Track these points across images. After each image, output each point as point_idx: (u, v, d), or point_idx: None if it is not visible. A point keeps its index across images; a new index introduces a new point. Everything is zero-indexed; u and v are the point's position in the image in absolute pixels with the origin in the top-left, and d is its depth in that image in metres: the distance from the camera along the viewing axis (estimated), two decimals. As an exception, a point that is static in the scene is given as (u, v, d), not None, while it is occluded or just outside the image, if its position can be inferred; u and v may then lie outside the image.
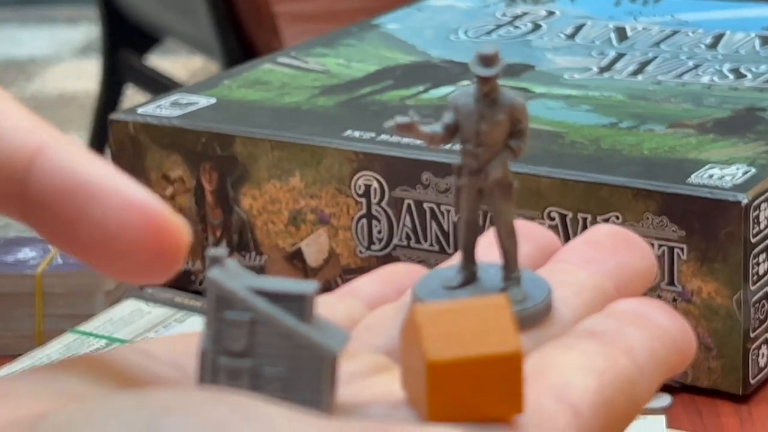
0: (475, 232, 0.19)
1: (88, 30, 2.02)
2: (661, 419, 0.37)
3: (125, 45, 1.26)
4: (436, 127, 0.18)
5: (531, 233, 0.21)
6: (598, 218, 0.37)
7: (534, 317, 0.18)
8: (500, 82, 0.19)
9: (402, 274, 0.21)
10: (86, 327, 0.38)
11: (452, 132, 0.18)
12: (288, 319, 0.14)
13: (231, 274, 0.14)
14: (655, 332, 0.17)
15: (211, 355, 0.14)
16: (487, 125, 0.18)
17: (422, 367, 0.13)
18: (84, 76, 1.87)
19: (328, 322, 0.15)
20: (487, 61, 0.17)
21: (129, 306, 0.39)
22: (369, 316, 0.19)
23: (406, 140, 0.39)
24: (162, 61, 1.50)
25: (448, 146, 0.19)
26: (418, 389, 0.14)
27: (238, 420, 0.11)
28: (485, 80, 0.18)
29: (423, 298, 0.18)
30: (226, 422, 0.11)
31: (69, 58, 2.18)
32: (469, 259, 0.19)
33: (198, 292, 0.42)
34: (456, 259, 0.20)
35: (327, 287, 0.33)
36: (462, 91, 0.18)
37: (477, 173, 0.18)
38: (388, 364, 0.17)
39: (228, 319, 0.14)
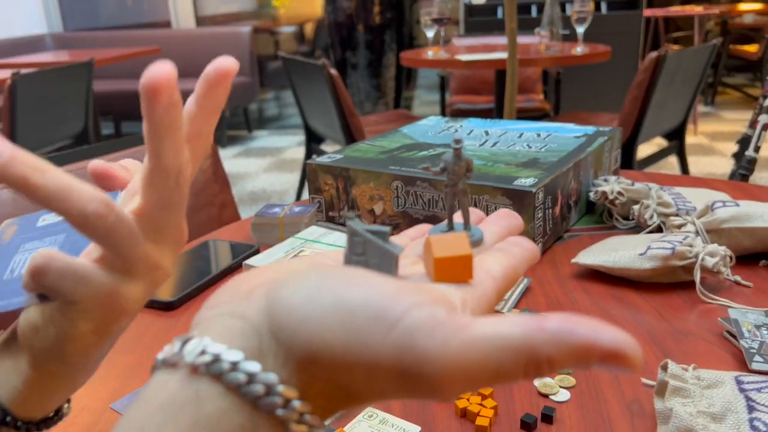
0: (453, 210, 0.31)
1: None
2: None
3: (313, 141, 2.70)
4: (437, 169, 0.32)
5: (475, 212, 0.35)
6: (481, 197, 0.72)
7: (476, 243, 0.30)
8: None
9: (424, 227, 0.34)
10: (298, 235, 0.73)
11: (443, 170, 0.32)
12: (379, 241, 0.25)
13: (357, 223, 0.25)
14: (524, 249, 0.29)
15: (348, 255, 0.25)
16: (457, 167, 0.31)
17: (432, 259, 0.24)
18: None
19: (395, 243, 0.26)
20: (457, 142, 0.31)
21: (313, 228, 0.76)
22: (411, 243, 0.32)
23: (408, 169, 0.78)
24: (325, 147, 2.75)
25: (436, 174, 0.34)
26: (430, 268, 0.25)
27: (342, 270, 0.23)
28: (456, 149, 0.31)
29: (432, 235, 0.28)
30: (353, 275, 0.22)
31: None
32: (451, 221, 0.32)
33: (340, 223, 0.82)
34: (444, 222, 0.33)
35: (385, 224, 0.77)
36: (447, 153, 0.31)
37: (453, 186, 0.31)
38: (418, 260, 0.30)
39: (355, 240, 0.25)
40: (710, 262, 0.63)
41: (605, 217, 0.85)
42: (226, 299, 0.24)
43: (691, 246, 0.65)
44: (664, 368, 0.47)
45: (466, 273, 0.26)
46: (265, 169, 3.82)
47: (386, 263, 0.26)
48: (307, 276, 0.23)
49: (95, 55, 3.22)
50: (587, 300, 0.65)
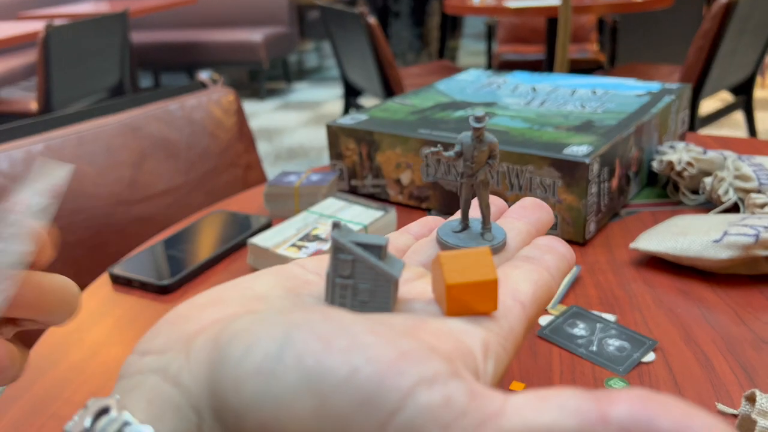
0: (468, 204, 0.27)
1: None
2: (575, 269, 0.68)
3: (351, 95, 2.64)
4: (451, 153, 0.26)
5: (495, 202, 0.30)
6: (523, 168, 0.61)
7: (498, 249, 0.25)
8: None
9: (431, 221, 0.29)
10: (313, 209, 0.64)
11: (459, 155, 0.26)
12: (372, 258, 0.20)
13: (344, 232, 0.21)
14: (558, 256, 0.25)
15: (331, 276, 0.20)
16: (477, 152, 0.25)
17: (443, 286, 0.20)
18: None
19: (394, 258, 0.21)
20: (479, 120, 0.25)
21: (330, 201, 0.66)
22: (415, 244, 0.27)
23: (441, 132, 0.67)
24: (363, 100, 2.72)
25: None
26: (441, 296, 0.20)
27: (318, 320, 0.16)
28: (477, 129, 0.25)
29: (441, 236, 0.26)
30: (333, 329, 0.16)
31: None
32: (465, 218, 0.27)
33: (362, 194, 0.73)
34: (458, 215, 0.27)
35: (413, 195, 0.67)
36: (465, 134, 0.26)
37: (471, 176, 0.26)
38: (424, 272, 0.24)
39: (340, 258, 0.20)
40: (805, 254, 0.52)
41: (670, 191, 0.73)
42: (159, 345, 0.19)
43: (779, 232, 0.54)
44: (750, 400, 0.37)
45: (489, 303, 0.20)
46: (304, 123, 3.74)
47: (381, 290, 0.20)
48: (267, 326, 0.17)
49: (131, 5, 3.15)
50: (648, 294, 0.55)
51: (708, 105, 3.14)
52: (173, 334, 0.19)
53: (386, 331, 0.17)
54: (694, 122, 2.16)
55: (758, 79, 3.67)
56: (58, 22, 2.36)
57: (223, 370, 0.17)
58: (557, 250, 0.25)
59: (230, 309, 0.20)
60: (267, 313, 0.18)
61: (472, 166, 0.26)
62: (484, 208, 0.27)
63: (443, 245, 0.26)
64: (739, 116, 3.25)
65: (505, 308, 0.21)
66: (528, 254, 0.25)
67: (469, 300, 0.20)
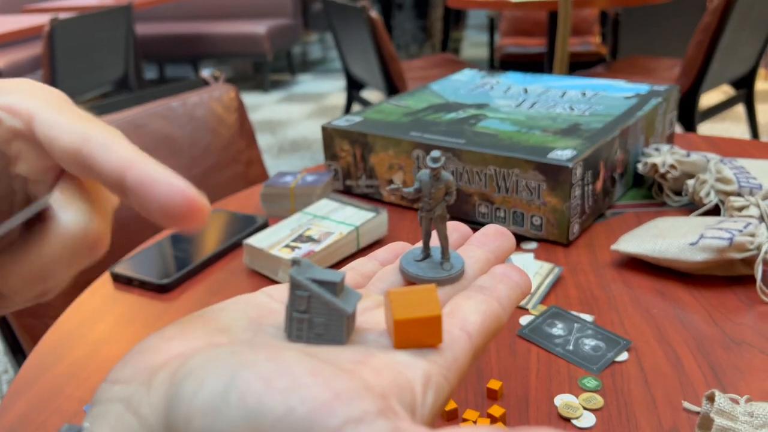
0: (429, 235, 0.29)
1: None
2: (531, 255, 0.61)
3: (354, 88, 2.70)
4: (410, 190, 0.28)
5: (459, 229, 0.31)
6: (510, 171, 0.63)
7: (455, 278, 0.27)
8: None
9: (398, 248, 0.31)
10: (307, 210, 0.67)
11: (418, 192, 0.28)
12: (326, 295, 0.22)
13: (303, 269, 0.22)
14: (512, 285, 0.26)
15: (289, 310, 0.22)
16: (434, 189, 0.27)
17: (392, 320, 0.21)
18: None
19: (351, 291, 0.23)
20: (435, 160, 0.27)
21: (324, 202, 0.68)
22: (380, 272, 0.29)
23: (431, 136, 0.69)
24: (366, 93, 2.82)
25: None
26: (391, 329, 0.22)
27: (264, 360, 0.18)
28: (434, 169, 0.27)
29: (403, 265, 0.28)
30: (278, 369, 0.17)
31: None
32: (426, 247, 0.29)
33: (357, 195, 0.76)
34: (419, 246, 0.29)
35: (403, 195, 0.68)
36: (423, 172, 0.28)
37: (429, 211, 0.28)
38: (383, 301, 0.25)
39: (297, 294, 0.22)
40: (776, 257, 0.54)
41: (655, 192, 0.75)
42: (126, 375, 0.21)
43: (752, 236, 0.56)
44: (710, 399, 0.40)
45: (433, 336, 0.22)
46: (308, 115, 3.75)
47: (334, 324, 0.22)
48: (219, 366, 0.18)
49: (135, -3, 3.16)
50: (626, 294, 0.57)
51: (709, 98, 3.14)
52: (140, 364, 0.21)
53: (326, 371, 0.18)
54: (695, 116, 2.16)
55: (761, 71, 3.66)
56: (63, 16, 2.38)
57: (176, 406, 0.18)
58: (511, 278, 0.26)
59: (193, 342, 0.21)
60: (221, 351, 0.19)
61: (430, 202, 0.28)
62: (443, 240, 0.28)
63: (405, 274, 0.28)
64: (740, 109, 3.25)
65: (452, 339, 0.22)
66: (482, 284, 0.26)
67: (415, 334, 0.21)
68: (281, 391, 0.17)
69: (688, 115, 2.15)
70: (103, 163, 0.20)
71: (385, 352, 0.21)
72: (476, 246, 0.29)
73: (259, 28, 4.23)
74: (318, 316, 0.22)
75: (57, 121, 0.21)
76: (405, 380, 0.20)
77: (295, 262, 0.22)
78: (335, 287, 0.22)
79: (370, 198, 0.77)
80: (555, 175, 0.63)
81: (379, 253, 0.30)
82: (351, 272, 0.29)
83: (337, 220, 0.66)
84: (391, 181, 0.75)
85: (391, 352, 0.21)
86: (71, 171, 0.22)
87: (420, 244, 0.30)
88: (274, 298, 0.25)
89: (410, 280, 0.28)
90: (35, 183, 0.23)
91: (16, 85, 0.23)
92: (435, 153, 0.27)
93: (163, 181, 0.20)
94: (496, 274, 0.27)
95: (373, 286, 0.28)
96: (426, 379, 0.20)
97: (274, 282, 0.62)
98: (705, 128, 3.04)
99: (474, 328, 0.23)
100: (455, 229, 0.31)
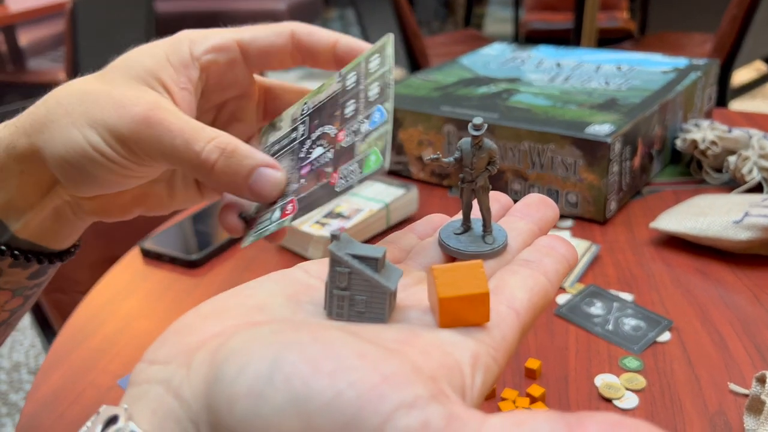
0: (470, 207, 0.28)
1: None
2: (567, 233, 0.61)
3: None
4: (450, 159, 0.27)
5: (499, 199, 0.30)
6: (545, 146, 0.62)
7: (498, 252, 0.26)
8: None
9: (436, 220, 0.30)
10: None
11: (458, 162, 0.27)
12: (368, 271, 0.21)
13: (342, 244, 0.22)
14: (558, 258, 0.25)
15: (329, 287, 0.21)
16: (476, 159, 0.26)
17: (436, 299, 0.20)
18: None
19: (392, 267, 0.22)
20: (477, 128, 0.26)
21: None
22: (417, 245, 0.28)
23: (463, 110, 0.68)
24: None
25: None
26: (435, 307, 0.21)
27: (308, 341, 0.17)
28: (476, 137, 0.26)
29: (443, 238, 0.27)
30: (322, 351, 0.17)
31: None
32: (467, 219, 0.28)
33: (389, 171, 0.75)
34: (459, 219, 0.28)
35: (435, 173, 0.67)
36: (464, 140, 0.27)
37: (471, 182, 0.27)
38: (423, 277, 0.25)
39: (337, 271, 0.21)
40: (826, 236, 0.52)
41: (693, 169, 0.73)
42: (164, 355, 0.20)
43: (801, 214, 0.54)
44: (761, 381, 0.38)
45: (480, 315, 0.21)
46: (328, 92, 3.72)
47: (377, 301, 0.21)
48: (261, 346, 0.18)
49: (156, -26, 3.15)
50: (666, 273, 0.55)
51: (741, 75, 3.06)
52: (177, 345, 0.20)
53: (374, 352, 0.18)
54: (726, 93, 2.11)
55: (795, 48, 3.55)
56: (84, -7, 2.37)
57: (218, 388, 0.18)
58: (557, 251, 0.25)
59: (231, 320, 0.21)
60: (262, 330, 0.19)
61: (472, 172, 0.27)
62: (485, 212, 0.27)
63: (445, 248, 0.27)
64: (773, 86, 3.16)
65: (499, 317, 0.22)
66: (528, 257, 0.25)
67: (461, 312, 0.21)
68: (328, 374, 0.16)
69: (720, 92, 2.10)
70: (320, 41, 0.30)
71: (431, 331, 0.21)
72: (519, 217, 0.28)
73: (279, 4, 4.19)
74: (359, 293, 0.21)
75: (260, 34, 0.31)
76: (453, 361, 0.19)
77: (334, 237, 0.21)
78: (376, 263, 0.21)
79: (399, 175, 0.76)
80: (592, 150, 0.61)
81: (417, 225, 0.29)
82: (389, 245, 0.28)
83: (366, 196, 0.65)
84: (420, 158, 0.73)
85: (437, 332, 0.20)
86: (293, 58, 0.32)
87: (459, 217, 0.28)
88: (311, 274, 0.24)
89: (451, 255, 0.27)
90: (239, 107, 0.32)
91: (195, 33, 0.31)
92: (477, 120, 0.26)
93: (364, 46, 0.30)
94: (541, 246, 0.26)
95: (413, 261, 0.27)
96: (474, 359, 0.19)
97: (304, 258, 0.61)
98: (735, 106, 2.97)
99: (521, 305, 0.22)
100: (495, 199, 0.30)
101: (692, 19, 3.56)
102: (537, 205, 0.29)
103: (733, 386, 0.42)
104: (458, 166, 0.27)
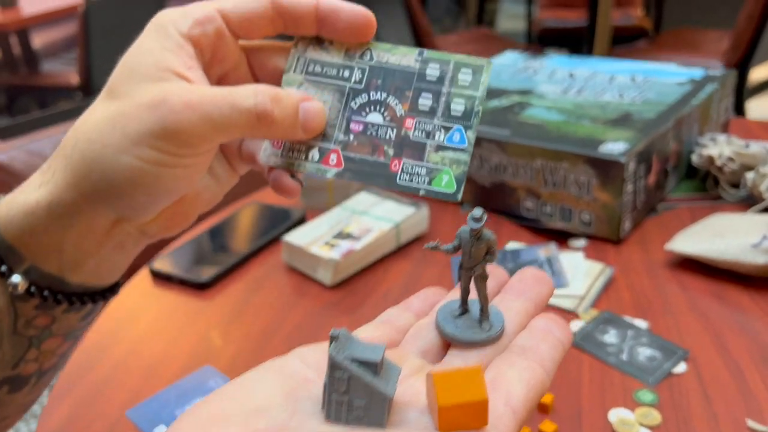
0: (467, 291, 0.28)
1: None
2: (581, 254, 0.60)
3: None
4: (449, 247, 0.27)
5: (495, 273, 0.30)
6: (558, 165, 0.61)
7: (495, 339, 0.26)
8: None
9: (432, 296, 0.30)
10: (346, 204, 0.66)
11: (457, 249, 0.27)
12: (366, 376, 0.22)
13: (341, 343, 0.22)
14: (555, 344, 0.25)
15: (327, 391, 0.22)
16: (475, 248, 0.26)
17: (436, 405, 0.21)
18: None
19: (391, 366, 0.23)
20: (477, 219, 0.26)
21: (363, 195, 0.68)
22: (414, 327, 0.28)
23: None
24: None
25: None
26: (433, 410, 0.22)
27: None
28: (475, 229, 0.26)
29: (440, 321, 0.27)
30: None
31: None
32: (464, 302, 0.28)
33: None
34: (457, 300, 0.28)
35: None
36: (463, 228, 0.27)
37: (469, 270, 0.27)
38: (422, 365, 0.25)
39: (336, 377, 0.22)
40: None
41: (709, 185, 0.71)
42: None
43: (822, 238, 0.52)
44: (781, 423, 0.37)
45: (479, 419, 0.21)
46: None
47: (375, 407, 0.21)
48: None
49: (168, -26, 3.15)
50: (682, 298, 0.54)
51: (757, 73, 3.01)
52: None
53: None
54: (743, 92, 2.07)
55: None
56: (97, -4, 2.38)
57: None
58: (553, 335, 0.25)
59: (233, 428, 0.20)
60: None
61: (470, 261, 0.27)
62: (483, 300, 0.27)
63: (441, 332, 0.27)
64: (791, 83, 3.10)
65: (496, 417, 0.22)
66: (524, 344, 0.25)
67: (460, 418, 0.21)
68: None
69: (737, 91, 2.07)
70: (300, 2, 0.28)
71: None
72: (514, 296, 0.28)
73: (290, 3, 4.18)
74: (358, 398, 0.21)
75: (240, 2, 0.29)
76: None
77: (333, 339, 0.22)
78: (375, 367, 0.21)
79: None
80: (606, 169, 0.60)
81: (414, 302, 0.29)
82: (385, 328, 0.27)
83: (376, 215, 0.65)
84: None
85: None
86: (273, 26, 0.30)
87: (456, 294, 0.28)
88: (309, 365, 0.24)
89: (447, 339, 0.27)
90: (236, 78, 0.30)
91: (184, 9, 0.29)
92: (477, 212, 0.25)
93: (347, 6, 0.28)
94: (537, 331, 0.26)
95: (409, 345, 0.26)
96: None
97: (312, 280, 0.60)
98: (752, 105, 2.92)
99: (518, 402, 0.22)
100: (491, 273, 0.30)
101: (708, 16, 3.51)
102: (532, 282, 0.29)
103: (751, 423, 0.41)
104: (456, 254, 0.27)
